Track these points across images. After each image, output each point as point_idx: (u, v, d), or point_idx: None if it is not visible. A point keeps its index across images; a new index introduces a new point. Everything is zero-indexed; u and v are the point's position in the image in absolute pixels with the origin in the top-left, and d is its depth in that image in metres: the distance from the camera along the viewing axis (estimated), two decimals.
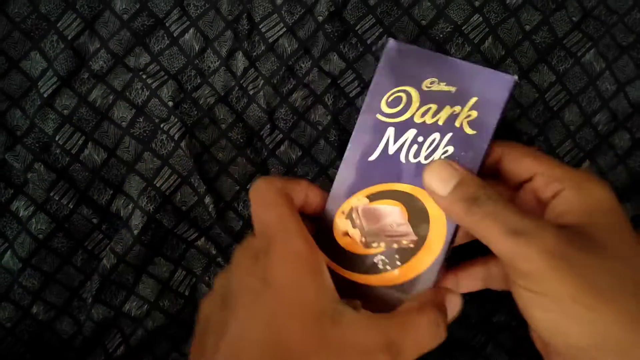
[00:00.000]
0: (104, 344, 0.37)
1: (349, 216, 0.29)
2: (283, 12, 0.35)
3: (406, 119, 0.28)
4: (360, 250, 0.29)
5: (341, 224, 0.29)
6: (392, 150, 0.29)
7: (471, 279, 0.31)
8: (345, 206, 0.29)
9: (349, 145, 0.29)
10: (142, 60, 0.35)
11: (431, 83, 0.28)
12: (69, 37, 0.35)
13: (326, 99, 0.36)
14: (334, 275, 0.27)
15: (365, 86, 0.36)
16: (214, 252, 0.36)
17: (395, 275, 0.28)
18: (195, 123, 0.36)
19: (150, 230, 0.35)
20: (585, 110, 0.36)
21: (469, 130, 0.28)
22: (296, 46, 0.35)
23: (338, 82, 0.36)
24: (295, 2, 0.35)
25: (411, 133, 0.28)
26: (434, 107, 0.28)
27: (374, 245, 0.29)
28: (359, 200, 0.29)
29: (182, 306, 0.37)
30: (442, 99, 0.28)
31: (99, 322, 0.36)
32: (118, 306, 0.36)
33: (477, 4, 0.35)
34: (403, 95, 0.28)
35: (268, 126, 0.36)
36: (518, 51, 0.36)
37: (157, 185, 0.36)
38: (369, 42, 0.35)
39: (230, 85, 0.36)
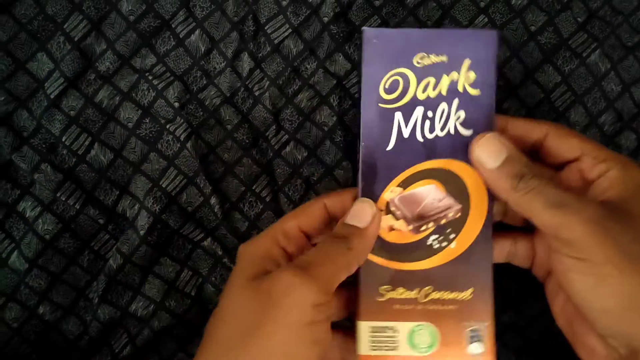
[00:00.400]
0: (110, 344, 0.37)
1: (388, 210, 0.29)
2: (288, 13, 0.35)
3: (410, 100, 0.29)
4: (411, 238, 0.29)
5: (383, 221, 0.29)
6: (406, 133, 0.29)
7: (497, 250, 0.32)
8: (380, 203, 0.29)
9: (361, 143, 0.29)
10: (148, 61, 0.35)
11: (421, 58, 0.29)
12: (76, 39, 0.35)
13: (331, 100, 0.36)
14: (394, 272, 0.29)
15: None
16: (220, 252, 0.36)
17: (453, 248, 0.29)
18: (201, 124, 0.36)
19: (156, 230, 0.36)
20: (590, 111, 0.36)
21: (473, 92, 0.29)
22: (302, 47, 0.35)
23: (343, 83, 0.36)
24: (301, 3, 0.35)
25: (419, 111, 0.29)
26: (432, 80, 0.29)
27: (423, 228, 0.29)
28: (392, 192, 0.29)
29: (189, 306, 0.37)
30: (437, 70, 0.29)
31: (105, 322, 0.36)
32: (124, 306, 0.36)
33: (482, 4, 0.35)
34: (398, 77, 0.29)
35: (274, 127, 0.36)
36: (523, 52, 0.36)
37: (163, 185, 0.36)
38: None
39: (236, 86, 0.36)
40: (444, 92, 0.29)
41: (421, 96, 0.29)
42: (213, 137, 0.36)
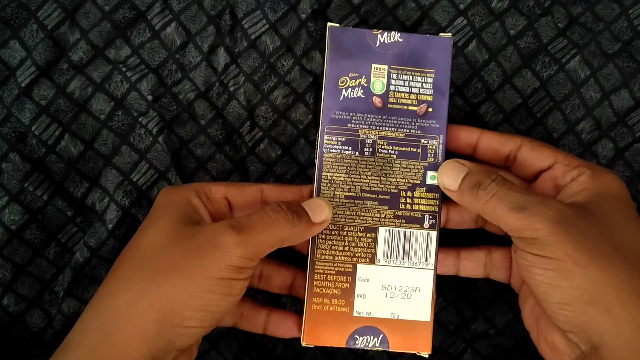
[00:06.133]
0: None
1: None
2: (266, 8, 0.35)
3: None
4: None
5: None
6: None
7: (472, 263, 0.33)
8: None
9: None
10: (123, 52, 0.35)
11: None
12: (49, 27, 0.34)
13: (307, 98, 0.35)
14: None
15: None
16: None
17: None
18: (174, 118, 0.35)
19: (125, 224, 0.35)
20: (568, 118, 0.36)
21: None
22: (278, 43, 0.35)
23: (319, 81, 0.35)
24: None
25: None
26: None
27: None
28: None
29: None
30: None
31: (70, 316, 0.35)
32: (89, 301, 0.35)
33: (462, 6, 0.35)
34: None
35: (248, 123, 0.36)
36: (502, 55, 0.35)
37: (134, 179, 0.35)
38: None
39: (211, 81, 0.35)
40: None
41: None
42: (186, 131, 0.35)
